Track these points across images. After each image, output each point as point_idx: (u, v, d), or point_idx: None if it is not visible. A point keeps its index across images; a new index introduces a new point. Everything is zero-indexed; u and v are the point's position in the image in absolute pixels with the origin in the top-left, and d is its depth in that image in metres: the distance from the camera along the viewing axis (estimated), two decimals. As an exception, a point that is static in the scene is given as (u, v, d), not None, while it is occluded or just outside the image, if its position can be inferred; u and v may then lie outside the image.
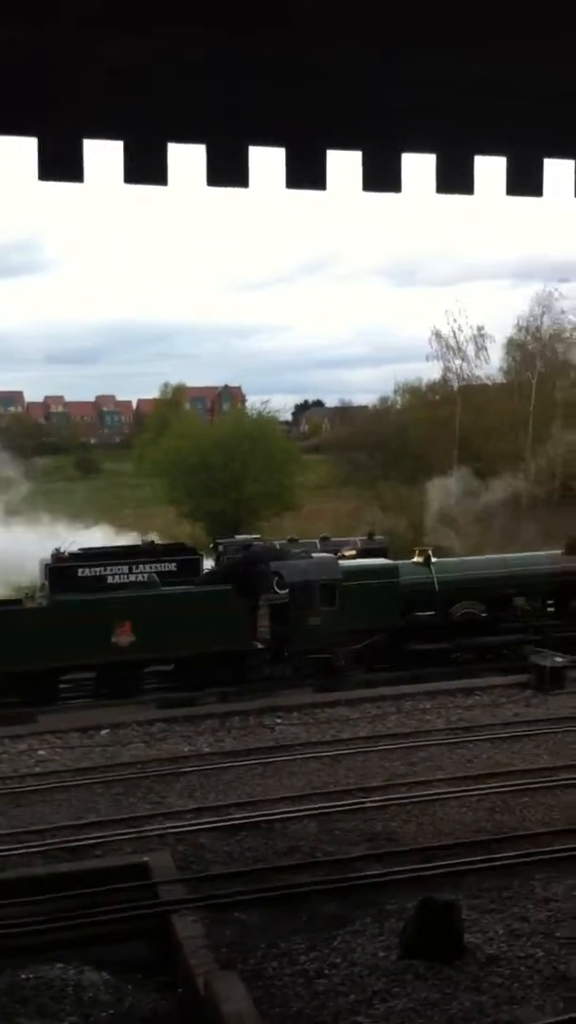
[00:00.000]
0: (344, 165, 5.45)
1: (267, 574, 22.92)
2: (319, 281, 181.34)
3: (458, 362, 61.75)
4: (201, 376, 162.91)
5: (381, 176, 5.47)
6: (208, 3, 4.61)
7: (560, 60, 5.01)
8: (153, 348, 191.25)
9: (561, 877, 11.63)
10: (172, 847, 12.73)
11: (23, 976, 9.70)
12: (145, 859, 11.96)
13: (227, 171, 5.28)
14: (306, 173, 5.38)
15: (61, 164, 5.10)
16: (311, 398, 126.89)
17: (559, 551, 25.30)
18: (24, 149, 5.12)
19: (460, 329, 60.84)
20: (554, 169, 5.76)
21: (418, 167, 5.57)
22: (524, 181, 5.72)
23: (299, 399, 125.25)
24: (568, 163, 5.74)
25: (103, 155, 5.18)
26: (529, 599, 23.79)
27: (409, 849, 12.51)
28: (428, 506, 37.48)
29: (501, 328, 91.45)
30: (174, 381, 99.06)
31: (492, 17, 4.73)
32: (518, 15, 4.72)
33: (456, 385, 61.99)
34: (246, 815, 13.89)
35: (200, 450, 54.73)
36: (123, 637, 20.78)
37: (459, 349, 61.38)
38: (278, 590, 22.98)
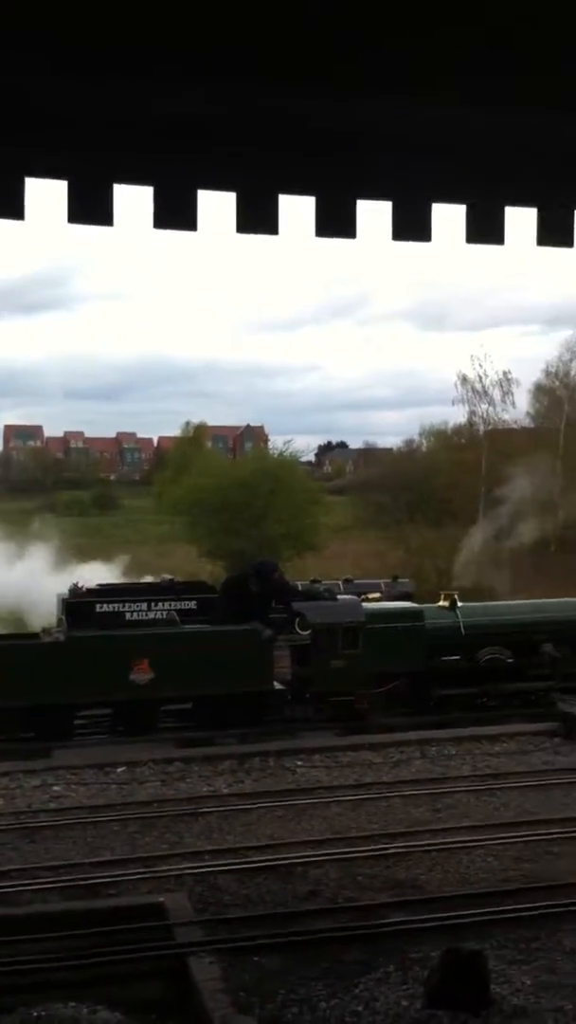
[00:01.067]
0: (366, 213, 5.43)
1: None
2: (346, 324, 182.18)
3: (484, 406, 61.85)
4: (225, 416, 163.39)
5: (410, 225, 5.45)
6: (233, 54, 4.53)
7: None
8: (176, 387, 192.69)
9: (591, 930, 11.25)
10: (189, 888, 12.40)
11: (35, 1014, 9.37)
12: (161, 899, 11.65)
13: (257, 219, 5.29)
14: (334, 222, 5.38)
15: (90, 208, 5.11)
16: (335, 439, 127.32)
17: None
18: (53, 191, 5.13)
19: (486, 374, 61.02)
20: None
21: (443, 217, 5.53)
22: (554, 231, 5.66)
23: (322, 440, 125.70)
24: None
25: (132, 200, 5.20)
26: (557, 645, 23.38)
27: (434, 897, 12.14)
28: (456, 550, 37.39)
29: (531, 374, 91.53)
30: (196, 420, 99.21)
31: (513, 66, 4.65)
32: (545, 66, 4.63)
33: (482, 429, 62.00)
34: (265, 858, 13.54)
35: (221, 489, 54.64)
36: (141, 674, 20.52)
37: (485, 393, 61.51)
38: (300, 631, 22.74)
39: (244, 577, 23.40)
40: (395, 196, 5.39)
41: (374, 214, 5.41)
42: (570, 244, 5.71)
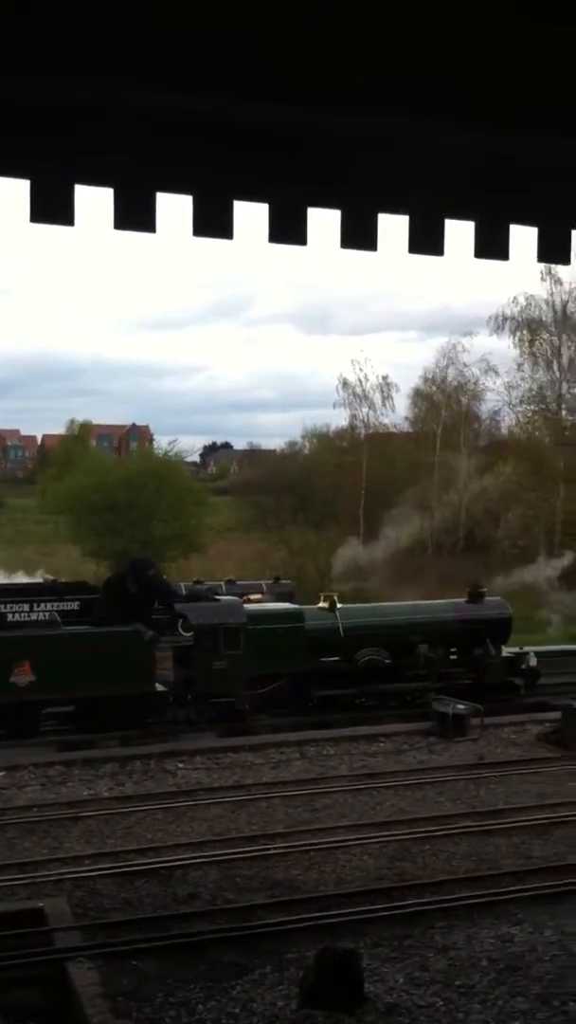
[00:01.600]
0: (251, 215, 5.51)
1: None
2: (233, 324, 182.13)
3: (365, 410, 62.74)
4: (111, 414, 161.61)
5: (287, 228, 5.55)
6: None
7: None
8: (62, 384, 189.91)
9: (461, 925, 11.62)
10: (69, 893, 12.43)
11: None
12: (40, 905, 11.66)
13: (135, 217, 5.30)
14: (213, 222, 5.43)
15: (54, 208, 5.15)
16: (220, 440, 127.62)
17: (462, 599, 25.55)
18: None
19: (366, 378, 61.92)
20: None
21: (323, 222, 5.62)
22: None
23: (207, 440, 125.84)
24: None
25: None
26: (432, 646, 23.93)
27: (310, 897, 12.40)
28: (337, 551, 37.89)
29: (409, 379, 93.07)
30: (81, 418, 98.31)
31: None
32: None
33: (363, 432, 62.82)
34: (146, 861, 13.64)
35: (105, 488, 54.31)
36: (21, 677, 20.36)
37: (365, 397, 62.40)
38: (183, 632, 22.84)
39: (124, 576, 23.37)
40: (271, 198, 5.41)
41: (255, 218, 5.48)
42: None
